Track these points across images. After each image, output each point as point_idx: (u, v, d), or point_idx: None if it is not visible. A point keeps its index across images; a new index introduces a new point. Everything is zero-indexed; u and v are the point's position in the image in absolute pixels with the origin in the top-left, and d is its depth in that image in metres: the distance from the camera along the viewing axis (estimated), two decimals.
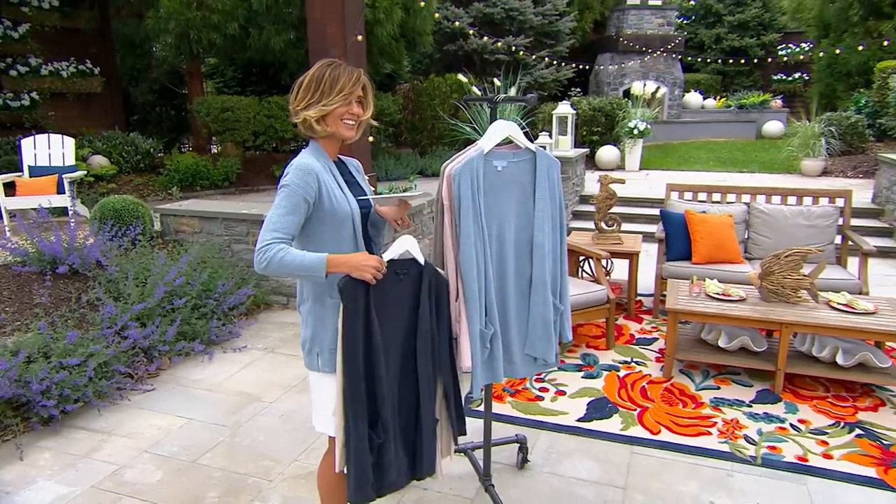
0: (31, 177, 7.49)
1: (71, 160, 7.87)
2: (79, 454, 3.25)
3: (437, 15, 12.89)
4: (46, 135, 7.92)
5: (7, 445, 3.30)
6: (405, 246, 2.10)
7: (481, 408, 3.59)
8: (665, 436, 3.37)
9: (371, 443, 2.07)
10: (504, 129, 2.25)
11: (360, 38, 5.55)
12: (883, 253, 6.79)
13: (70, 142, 7.94)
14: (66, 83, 11.09)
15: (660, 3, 17.56)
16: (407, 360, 2.18)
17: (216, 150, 12.84)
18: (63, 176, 7.25)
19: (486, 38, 14.33)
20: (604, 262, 4.76)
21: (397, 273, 2.11)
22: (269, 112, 10.68)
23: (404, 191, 6.76)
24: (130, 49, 13.61)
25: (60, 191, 7.15)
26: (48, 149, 7.82)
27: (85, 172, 8.43)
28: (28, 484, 3.02)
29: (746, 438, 3.34)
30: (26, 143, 7.75)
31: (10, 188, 7.12)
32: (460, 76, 12.26)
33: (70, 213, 7.08)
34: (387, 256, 2.06)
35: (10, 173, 7.51)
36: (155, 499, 2.88)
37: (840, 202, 5.24)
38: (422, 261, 2.16)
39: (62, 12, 11.02)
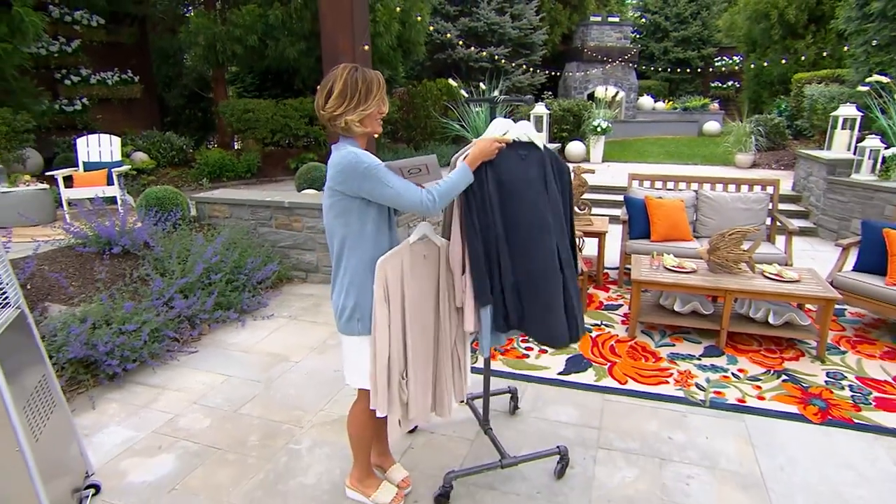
0: (85, 171, 7.35)
1: (118, 156, 7.72)
2: (140, 405, 3.25)
3: (431, 28, 12.73)
4: (97, 135, 7.76)
5: (82, 397, 3.30)
6: (524, 129, 2.15)
7: (479, 364, 3.63)
8: (631, 385, 3.42)
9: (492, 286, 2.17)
10: (503, 124, 2.23)
11: (366, 47, 5.48)
12: (802, 231, 6.87)
13: (117, 140, 7.78)
14: (111, 90, 11.02)
15: (618, 20, 17.58)
16: (542, 231, 2.19)
17: (238, 146, 12.65)
18: (112, 170, 7.13)
19: (471, 48, 14.21)
20: (577, 240, 4.76)
21: (519, 154, 2.15)
22: (284, 113, 10.53)
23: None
24: (165, 59, 13.43)
25: (110, 183, 7.02)
26: (99, 147, 7.65)
27: (129, 167, 8.29)
28: (101, 428, 3.04)
29: (697, 386, 3.40)
30: (81, 142, 7.60)
31: (69, 181, 7.01)
32: (450, 81, 12.13)
33: (119, 201, 6.98)
34: (509, 136, 2.11)
35: (68, 168, 7.41)
36: (206, 441, 2.90)
37: (770, 189, 5.27)
38: (541, 145, 2.18)
39: (107, 29, 10.96)
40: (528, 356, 3.79)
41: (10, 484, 1.96)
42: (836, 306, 4.22)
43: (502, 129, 2.18)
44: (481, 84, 11.52)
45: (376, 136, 2.13)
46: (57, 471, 2.22)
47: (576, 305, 2.29)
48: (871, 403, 3.18)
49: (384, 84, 2.06)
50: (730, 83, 20.61)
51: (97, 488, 2.52)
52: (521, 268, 2.21)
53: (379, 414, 2.18)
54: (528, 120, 9.66)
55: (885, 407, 3.15)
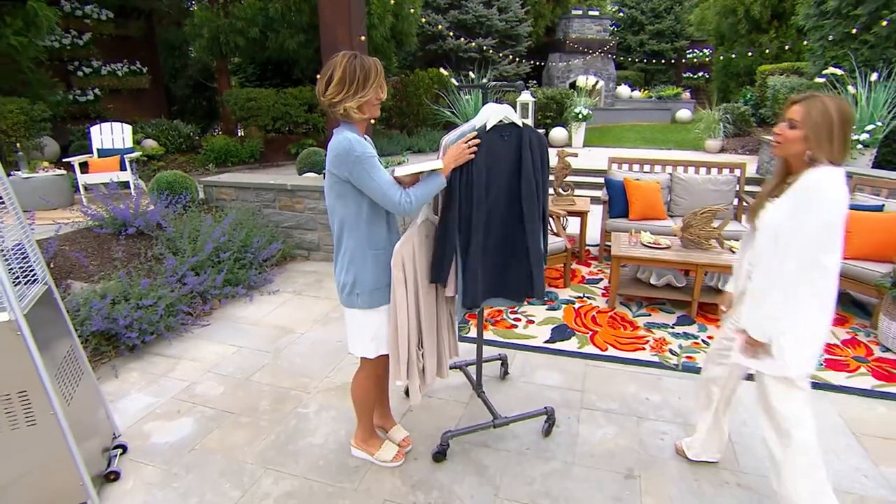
0: (99, 157, 7.24)
1: (129, 143, 7.59)
2: (158, 374, 3.26)
3: (422, 20, 12.54)
4: (109, 123, 7.63)
5: (105, 367, 3.31)
6: (503, 113, 2.11)
7: (472, 334, 3.66)
8: (611, 352, 3.46)
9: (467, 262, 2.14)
10: (492, 110, 2.21)
11: (363, 37, 5.40)
12: None
13: (128, 128, 7.64)
14: (121, 81, 10.87)
15: (597, 14, 17.44)
16: (514, 202, 2.19)
17: (242, 134, 12.50)
18: (124, 156, 7.02)
19: (460, 39, 14.03)
20: (561, 219, 4.77)
21: (502, 136, 2.12)
22: (284, 101, 10.40)
23: (398, 163, 6.68)
24: (171, 51, 13.19)
25: (123, 168, 6.92)
26: (111, 134, 7.52)
27: (140, 153, 8.19)
28: (124, 395, 3.05)
29: (671, 352, 3.44)
30: (94, 130, 7.47)
31: (84, 167, 6.92)
32: (441, 70, 11.99)
33: (132, 186, 6.89)
34: (489, 124, 2.08)
35: (83, 155, 7.30)
36: (221, 407, 2.92)
37: (737, 172, 5.28)
38: (520, 124, 2.17)
39: (116, 23, 10.79)
40: (516, 326, 3.82)
41: (47, 444, 1.98)
42: None
43: (496, 116, 2.15)
44: (470, 73, 11.40)
45: (373, 121, 2.09)
46: (88, 432, 2.24)
47: (535, 262, 2.31)
48: (822, 364, 3.25)
49: (382, 71, 2.00)
50: (700, 74, 20.57)
51: (124, 448, 2.55)
52: (496, 241, 2.21)
53: (399, 383, 2.21)
54: (515, 107, 9.60)
55: (833, 367, 3.23)
